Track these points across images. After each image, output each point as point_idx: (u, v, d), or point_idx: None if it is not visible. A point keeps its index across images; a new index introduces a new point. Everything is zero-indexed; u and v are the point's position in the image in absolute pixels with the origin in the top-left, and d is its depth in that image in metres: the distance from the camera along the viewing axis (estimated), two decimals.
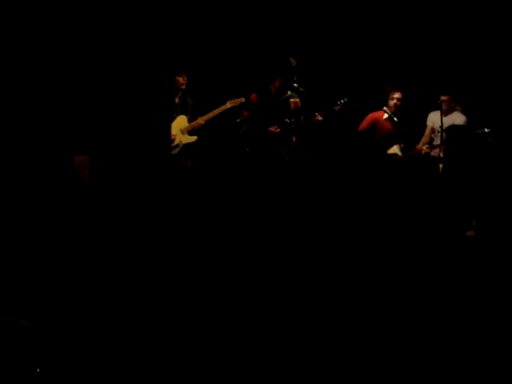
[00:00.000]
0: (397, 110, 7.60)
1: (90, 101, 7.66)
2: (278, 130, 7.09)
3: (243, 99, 7.28)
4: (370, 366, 3.74)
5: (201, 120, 7.44)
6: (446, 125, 7.49)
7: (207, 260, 5.52)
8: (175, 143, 7.39)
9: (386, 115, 7.64)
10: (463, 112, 7.85)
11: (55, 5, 7.55)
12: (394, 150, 7.64)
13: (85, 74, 7.66)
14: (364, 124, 7.74)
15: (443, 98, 7.76)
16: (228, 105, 7.36)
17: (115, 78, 7.79)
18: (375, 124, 7.70)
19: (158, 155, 7.28)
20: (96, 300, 4.58)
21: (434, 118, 7.92)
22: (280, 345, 3.94)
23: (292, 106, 7.11)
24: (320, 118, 7.02)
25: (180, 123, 7.45)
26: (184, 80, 7.39)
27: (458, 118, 7.79)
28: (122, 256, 5.51)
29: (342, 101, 7.12)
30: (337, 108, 7.11)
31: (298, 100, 7.11)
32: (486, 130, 7.12)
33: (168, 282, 4.99)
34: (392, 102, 7.61)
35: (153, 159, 7.30)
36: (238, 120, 7.18)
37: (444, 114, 7.70)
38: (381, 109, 7.68)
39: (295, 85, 7.03)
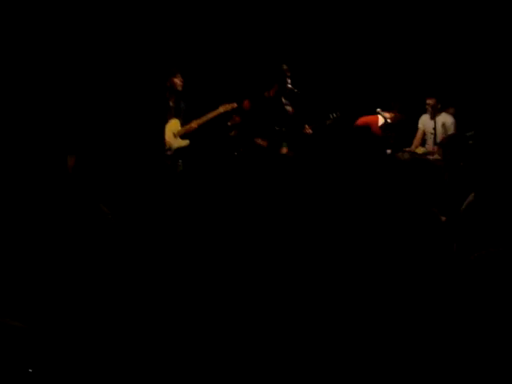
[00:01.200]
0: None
1: (85, 103, 7.72)
2: (265, 143, 7.04)
3: (235, 105, 7.24)
4: (370, 366, 3.73)
5: (194, 124, 7.39)
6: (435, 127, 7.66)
7: (201, 262, 5.52)
8: (167, 146, 7.37)
9: (381, 121, 7.56)
10: (457, 114, 7.93)
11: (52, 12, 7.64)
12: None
13: (80, 76, 7.72)
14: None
15: (429, 101, 7.82)
16: (221, 109, 7.31)
17: (110, 81, 7.85)
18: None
19: (153, 157, 7.31)
20: (89, 300, 4.58)
21: (425, 121, 8.04)
22: (280, 345, 3.94)
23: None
24: (310, 130, 6.99)
25: (173, 126, 7.42)
26: (181, 82, 7.36)
27: (446, 119, 7.83)
28: (114, 258, 5.51)
29: (333, 115, 7.07)
30: (328, 122, 7.07)
31: (290, 108, 7.06)
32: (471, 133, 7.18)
33: (161, 284, 4.98)
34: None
35: (147, 161, 7.33)
36: (228, 123, 7.14)
37: (431, 116, 7.80)
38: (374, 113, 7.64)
39: (290, 86, 6.97)
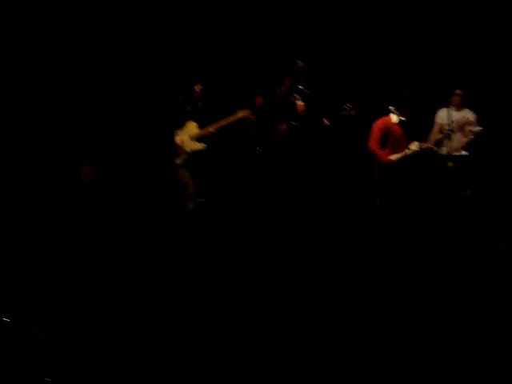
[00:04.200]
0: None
1: (96, 110, 7.77)
2: (285, 126, 6.98)
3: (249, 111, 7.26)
4: (370, 364, 3.66)
5: (211, 128, 7.40)
6: (456, 120, 7.50)
7: (211, 262, 5.49)
8: (183, 149, 7.37)
9: (395, 118, 7.49)
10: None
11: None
12: (415, 146, 7.51)
13: (92, 84, 7.78)
14: (376, 133, 7.60)
15: (458, 91, 7.72)
16: (239, 114, 7.32)
17: (121, 86, 7.90)
18: (388, 131, 7.54)
19: (162, 162, 7.31)
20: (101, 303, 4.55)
21: (442, 115, 7.90)
22: (280, 345, 3.87)
23: (297, 107, 7.05)
24: (328, 122, 6.97)
25: (190, 130, 7.43)
26: (199, 89, 7.40)
27: (468, 115, 7.73)
28: (127, 262, 5.49)
29: (348, 105, 7.06)
30: (344, 112, 7.05)
31: (302, 103, 7.06)
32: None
33: (170, 284, 4.95)
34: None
35: (157, 166, 7.34)
36: (244, 124, 7.14)
37: (455, 108, 7.68)
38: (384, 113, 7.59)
39: (300, 87, 6.97)
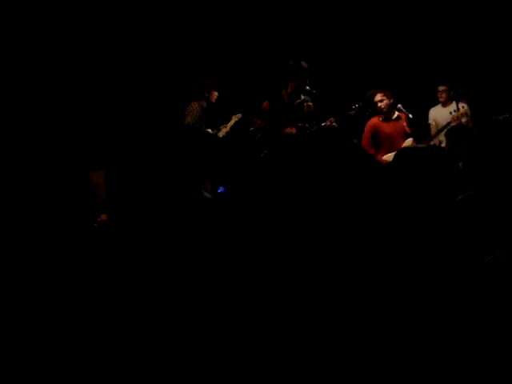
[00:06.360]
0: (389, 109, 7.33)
1: (105, 116, 7.76)
2: (294, 129, 6.95)
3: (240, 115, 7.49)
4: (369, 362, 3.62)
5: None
6: (447, 116, 7.35)
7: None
8: None
9: (381, 117, 7.31)
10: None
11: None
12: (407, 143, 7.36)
13: (100, 89, 7.77)
14: (365, 133, 7.42)
15: (441, 88, 7.71)
16: (234, 119, 7.55)
17: (130, 92, 7.90)
18: (376, 131, 7.34)
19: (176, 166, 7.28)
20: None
21: (435, 114, 7.88)
22: (280, 345, 3.84)
23: (305, 109, 7.02)
24: (335, 124, 6.93)
25: None
26: (216, 96, 7.50)
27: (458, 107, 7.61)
28: (136, 272, 5.44)
29: (356, 105, 7.03)
30: (352, 113, 7.01)
31: (311, 104, 7.03)
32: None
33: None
34: (381, 104, 7.29)
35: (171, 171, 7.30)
36: (251, 129, 7.16)
37: (443, 105, 7.69)
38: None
39: (308, 88, 6.97)
